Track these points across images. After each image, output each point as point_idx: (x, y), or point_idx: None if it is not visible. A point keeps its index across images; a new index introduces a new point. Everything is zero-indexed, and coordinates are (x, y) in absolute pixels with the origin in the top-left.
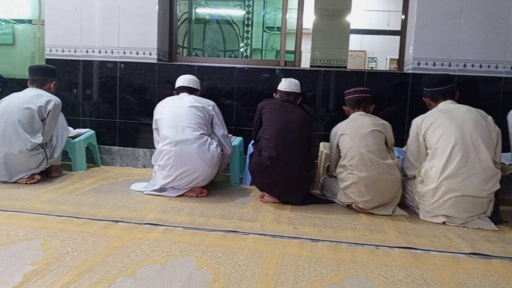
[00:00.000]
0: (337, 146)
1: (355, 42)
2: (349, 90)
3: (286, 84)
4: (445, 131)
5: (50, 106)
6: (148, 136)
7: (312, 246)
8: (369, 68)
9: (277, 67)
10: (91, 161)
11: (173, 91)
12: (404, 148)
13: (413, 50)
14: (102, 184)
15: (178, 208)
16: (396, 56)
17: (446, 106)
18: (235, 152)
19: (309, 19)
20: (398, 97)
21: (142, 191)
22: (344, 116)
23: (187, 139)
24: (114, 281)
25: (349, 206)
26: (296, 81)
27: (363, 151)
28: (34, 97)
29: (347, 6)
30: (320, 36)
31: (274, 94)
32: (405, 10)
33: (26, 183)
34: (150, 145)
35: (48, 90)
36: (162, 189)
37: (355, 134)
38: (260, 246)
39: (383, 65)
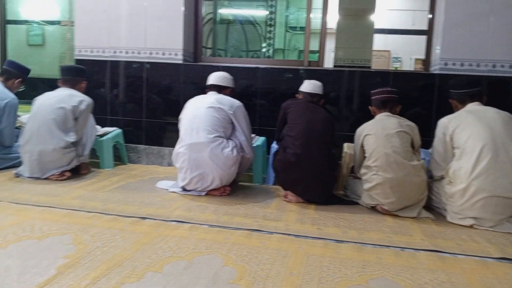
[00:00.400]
0: (362, 146)
1: (379, 42)
2: (375, 90)
3: (310, 86)
4: (474, 131)
5: (83, 106)
6: (173, 135)
7: (337, 247)
8: (393, 68)
9: (301, 67)
10: (118, 159)
11: (198, 91)
12: (430, 150)
13: (440, 50)
14: (129, 182)
15: (203, 206)
16: (422, 56)
17: (474, 107)
18: (258, 151)
19: (333, 19)
20: (424, 98)
21: (167, 189)
22: (369, 117)
23: (200, 142)
24: (142, 276)
25: (373, 208)
26: (319, 83)
27: (389, 152)
28: (67, 96)
29: (371, 6)
30: (343, 35)
31: (296, 95)
32: (432, 9)
33: (57, 180)
34: (175, 144)
35: (79, 90)
36: (184, 189)
37: (380, 134)
38: (285, 245)
39: (407, 65)
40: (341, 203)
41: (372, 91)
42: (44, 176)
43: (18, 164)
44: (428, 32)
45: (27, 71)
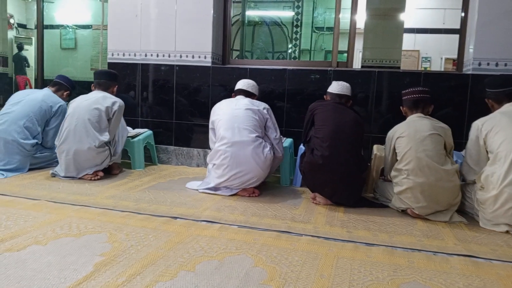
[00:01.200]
0: (393, 149)
1: (408, 42)
2: (407, 90)
3: (338, 87)
4: (508, 134)
5: (115, 107)
6: (202, 137)
7: (367, 250)
8: (423, 69)
9: (329, 68)
10: (149, 160)
11: (226, 93)
12: (462, 152)
13: (473, 49)
14: (160, 182)
15: (232, 207)
16: (452, 56)
17: (510, 108)
18: (285, 153)
19: (361, 19)
20: (457, 99)
21: (197, 189)
22: (398, 118)
23: (243, 141)
24: (176, 275)
25: (404, 211)
26: (347, 84)
27: (421, 155)
28: (101, 98)
29: (400, 5)
30: (371, 35)
31: (324, 96)
32: (465, 8)
33: (90, 179)
34: (204, 145)
35: (111, 93)
36: (216, 188)
37: (413, 137)
38: (314, 248)
39: (437, 65)
40: (371, 206)
41: (404, 91)
42: (78, 175)
43: (54, 165)
44: (460, 31)
45: (74, 86)
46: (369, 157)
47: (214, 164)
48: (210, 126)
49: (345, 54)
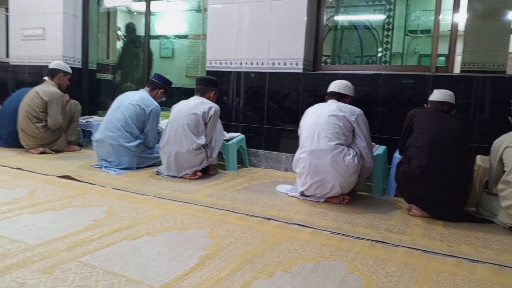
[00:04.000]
0: (500, 160)
1: None
2: None
3: (439, 94)
4: None
5: (211, 112)
6: (290, 142)
7: (471, 266)
8: None
9: (428, 73)
10: (240, 162)
11: (316, 99)
12: None
13: None
14: (252, 184)
15: (323, 213)
16: None
17: None
18: (378, 161)
19: (461, 20)
20: None
21: (286, 193)
22: (505, 128)
23: (321, 149)
24: (273, 274)
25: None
26: (450, 92)
27: None
28: (199, 104)
29: (506, 4)
30: (473, 37)
31: (425, 105)
32: None
33: (190, 179)
34: (292, 150)
35: (208, 98)
36: (303, 194)
37: None
38: (412, 260)
39: None
40: (473, 221)
41: None
42: (179, 174)
43: (158, 163)
44: None
45: (170, 83)
46: (472, 168)
47: (297, 172)
48: (299, 131)
49: (443, 58)
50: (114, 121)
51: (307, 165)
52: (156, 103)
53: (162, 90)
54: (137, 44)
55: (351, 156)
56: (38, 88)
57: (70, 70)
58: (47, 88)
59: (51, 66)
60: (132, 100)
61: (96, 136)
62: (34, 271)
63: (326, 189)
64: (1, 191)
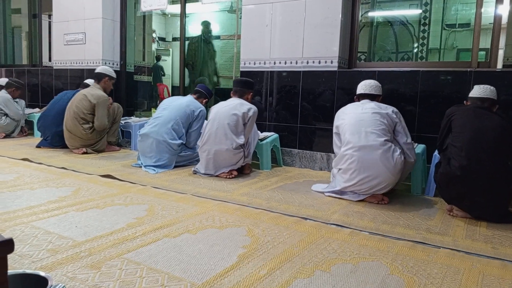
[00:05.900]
0: None
1: None
2: None
3: (480, 90)
4: None
5: (250, 113)
6: (325, 141)
7: None
8: None
9: (469, 69)
10: (274, 162)
11: (351, 97)
12: None
13: None
14: (286, 183)
15: (360, 213)
16: None
17: None
18: (417, 160)
19: (505, 12)
20: None
21: (323, 192)
22: None
23: (371, 145)
24: (312, 273)
25: None
26: (492, 87)
27: None
28: (238, 105)
29: None
30: None
31: (464, 102)
32: None
33: (226, 177)
34: (327, 149)
35: (246, 100)
36: (342, 192)
37: None
38: (454, 262)
39: None
40: None
41: None
42: (216, 173)
43: (194, 163)
44: None
45: (212, 95)
46: None
47: (340, 169)
48: (335, 130)
49: (483, 53)
50: (161, 118)
51: (356, 161)
52: (203, 107)
53: (206, 100)
54: (208, 42)
55: (398, 152)
56: (86, 91)
57: (115, 75)
58: (95, 91)
59: (97, 70)
60: (182, 102)
61: (142, 130)
62: (82, 266)
63: (373, 184)
64: (49, 189)
